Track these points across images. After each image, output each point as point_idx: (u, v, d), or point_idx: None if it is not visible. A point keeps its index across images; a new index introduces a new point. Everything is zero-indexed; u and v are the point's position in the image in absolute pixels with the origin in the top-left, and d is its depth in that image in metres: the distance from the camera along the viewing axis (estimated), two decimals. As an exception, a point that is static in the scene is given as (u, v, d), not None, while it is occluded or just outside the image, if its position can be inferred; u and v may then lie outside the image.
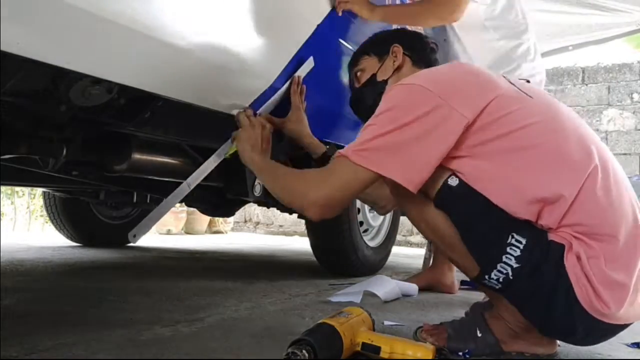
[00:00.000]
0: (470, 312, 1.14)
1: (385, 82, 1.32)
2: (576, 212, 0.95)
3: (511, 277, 0.95)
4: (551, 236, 0.96)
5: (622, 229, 0.95)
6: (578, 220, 0.95)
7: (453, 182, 0.98)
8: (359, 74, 1.38)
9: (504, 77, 1.10)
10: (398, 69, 1.32)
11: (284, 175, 1.15)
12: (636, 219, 0.99)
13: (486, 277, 0.98)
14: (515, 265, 0.94)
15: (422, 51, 1.34)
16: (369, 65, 1.36)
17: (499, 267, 0.95)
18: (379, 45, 1.36)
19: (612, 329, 0.99)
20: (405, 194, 1.01)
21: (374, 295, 1.60)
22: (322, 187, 1.01)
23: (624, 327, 1.00)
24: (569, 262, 0.93)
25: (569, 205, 0.94)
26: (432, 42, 1.37)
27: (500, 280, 0.96)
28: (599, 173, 0.97)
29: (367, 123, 1.03)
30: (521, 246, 0.94)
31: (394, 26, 1.90)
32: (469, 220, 0.99)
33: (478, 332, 1.06)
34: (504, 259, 0.94)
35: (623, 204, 0.98)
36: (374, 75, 1.33)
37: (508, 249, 0.94)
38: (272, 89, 1.43)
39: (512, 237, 0.94)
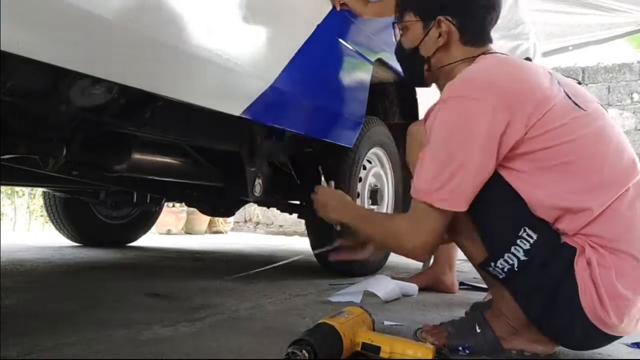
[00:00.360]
0: (470, 311, 1.14)
1: (423, 59, 1.19)
2: (598, 225, 0.96)
3: (516, 269, 0.97)
4: (565, 239, 0.97)
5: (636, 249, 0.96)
6: (598, 232, 0.96)
7: None
8: (401, 31, 1.23)
9: (553, 77, 1.06)
10: (444, 46, 1.15)
11: (379, 227, 1.18)
12: None
13: (492, 264, 1.00)
14: (522, 258, 0.96)
15: (474, 20, 1.15)
16: (413, 28, 1.19)
17: (506, 257, 0.97)
18: (424, 3, 1.18)
19: (609, 338, 1.00)
20: None
21: (374, 295, 1.60)
22: (415, 237, 1.04)
23: (614, 338, 1.00)
24: (579, 266, 0.94)
25: (592, 219, 0.96)
26: (490, 16, 1.17)
27: (505, 270, 0.98)
28: (630, 190, 0.98)
29: (430, 149, 1.02)
30: (532, 241, 0.96)
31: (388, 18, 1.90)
32: (487, 204, 1.00)
33: (477, 328, 1.07)
34: (512, 249, 0.96)
35: None
36: (416, 48, 1.19)
37: (518, 241, 0.96)
38: (273, 90, 1.42)
39: (525, 230, 0.96)
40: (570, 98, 1.02)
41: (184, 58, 1.13)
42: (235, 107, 1.36)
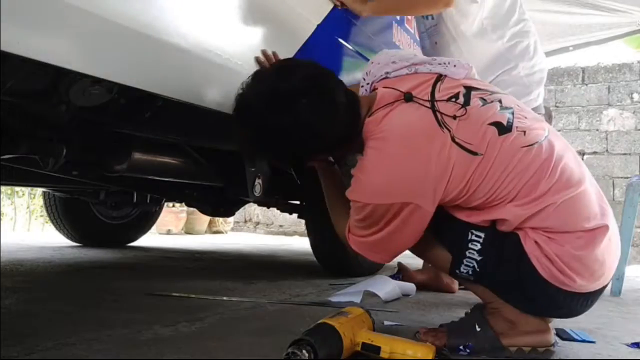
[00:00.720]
0: (470, 312, 1.14)
1: None
2: (537, 220, 1.00)
3: (478, 269, 1.04)
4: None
5: (580, 224, 1.00)
6: (538, 225, 1.00)
7: None
8: None
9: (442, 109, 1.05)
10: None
11: (333, 213, 1.26)
12: (603, 212, 1.04)
13: (457, 270, 1.06)
14: (478, 258, 1.03)
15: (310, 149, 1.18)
16: None
17: (465, 262, 1.04)
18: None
19: (591, 297, 1.05)
20: None
21: (374, 295, 1.60)
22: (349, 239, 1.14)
23: (601, 291, 1.06)
24: (528, 246, 1.00)
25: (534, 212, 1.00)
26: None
27: (470, 272, 1.05)
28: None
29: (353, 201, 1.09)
30: (481, 240, 1.03)
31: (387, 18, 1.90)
32: (435, 220, 1.04)
33: (477, 327, 1.08)
34: (467, 253, 1.03)
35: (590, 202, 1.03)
36: None
37: (470, 245, 1.03)
38: None
39: (472, 233, 1.03)
40: (461, 146, 1.00)
41: (185, 58, 1.13)
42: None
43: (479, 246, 1.02)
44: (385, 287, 1.65)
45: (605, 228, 1.02)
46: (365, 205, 1.04)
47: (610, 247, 1.03)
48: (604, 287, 1.07)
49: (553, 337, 1.09)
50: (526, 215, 0.99)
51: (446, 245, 1.08)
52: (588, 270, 1.00)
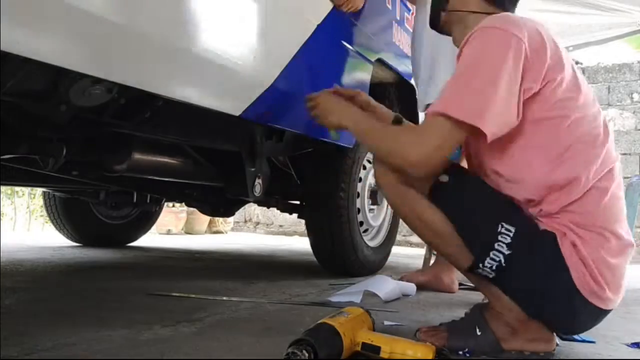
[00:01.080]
0: (471, 312, 1.14)
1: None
2: (578, 205, 0.98)
3: (504, 264, 0.99)
4: (542, 225, 1.01)
5: (615, 226, 1.00)
6: (577, 210, 0.98)
7: (444, 178, 1.03)
8: None
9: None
10: None
11: (383, 135, 1.11)
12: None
13: (480, 265, 1.02)
14: (507, 252, 0.98)
15: None
16: None
17: (491, 255, 0.99)
18: None
19: (604, 314, 1.03)
20: (401, 191, 1.08)
21: (374, 295, 1.60)
22: (420, 147, 1.00)
23: (608, 312, 1.03)
24: (565, 248, 0.97)
25: (576, 198, 0.98)
26: None
27: (494, 268, 1.00)
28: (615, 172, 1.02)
29: (454, 76, 1.02)
30: (511, 234, 0.98)
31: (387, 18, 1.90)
32: (461, 212, 1.03)
33: (477, 330, 1.07)
34: (496, 246, 0.99)
35: (620, 207, 1.02)
36: None
37: (499, 237, 0.99)
38: (273, 90, 1.42)
39: (502, 225, 0.99)
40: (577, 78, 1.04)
41: (184, 58, 1.13)
42: (235, 108, 1.36)
43: (509, 239, 0.98)
44: (385, 287, 1.65)
45: (632, 246, 1.02)
46: (488, 31, 1.01)
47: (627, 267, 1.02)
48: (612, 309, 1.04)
49: (554, 345, 1.09)
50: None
51: (472, 238, 1.02)
52: (616, 283, 0.98)
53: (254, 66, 1.35)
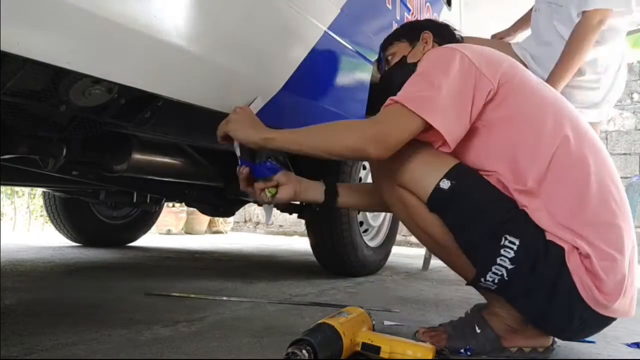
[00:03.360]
0: (470, 312, 1.14)
1: (414, 64, 1.28)
2: (581, 215, 0.96)
3: (506, 278, 0.96)
4: (549, 236, 0.96)
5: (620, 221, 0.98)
6: (582, 220, 0.96)
7: (445, 185, 0.99)
8: (389, 57, 1.40)
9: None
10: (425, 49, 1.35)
11: (326, 128, 1.09)
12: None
13: (482, 279, 0.99)
14: (509, 267, 0.95)
15: (450, 40, 1.35)
16: (400, 49, 1.38)
17: (493, 269, 0.97)
18: (410, 31, 1.40)
19: (604, 322, 1.01)
20: (401, 200, 1.06)
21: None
22: (378, 126, 1.02)
23: (613, 320, 1.01)
24: (572, 263, 0.94)
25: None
26: (459, 34, 1.40)
27: (496, 281, 0.98)
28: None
29: (410, 78, 1.06)
30: (515, 247, 0.95)
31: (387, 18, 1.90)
32: (462, 223, 1.00)
33: (477, 328, 1.07)
34: (498, 261, 0.96)
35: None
36: (404, 57, 1.35)
37: (502, 251, 0.95)
38: (282, 93, 1.42)
39: (505, 238, 0.95)
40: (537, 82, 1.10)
41: (185, 58, 1.13)
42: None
43: (512, 253, 0.94)
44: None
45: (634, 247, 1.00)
46: (443, 52, 1.09)
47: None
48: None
49: (551, 339, 1.09)
50: None
51: (473, 251, 1.01)
52: (626, 293, 0.97)
53: (269, 71, 1.36)
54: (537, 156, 0.99)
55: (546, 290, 0.96)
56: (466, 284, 1.08)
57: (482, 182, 1.02)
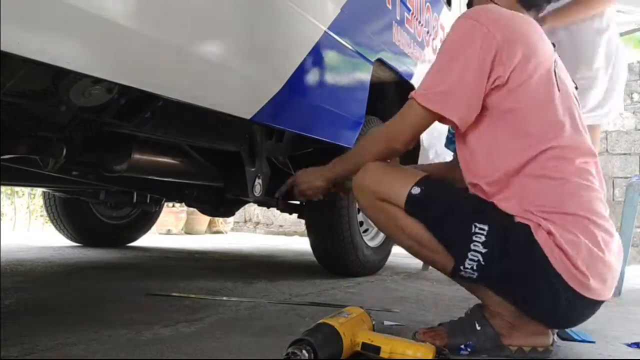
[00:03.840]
0: (470, 311, 1.15)
1: None
2: (543, 195, 1.02)
3: (483, 263, 1.01)
4: (517, 219, 1.03)
5: (591, 215, 1.01)
6: (545, 202, 1.01)
7: (416, 191, 1.09)
8: None
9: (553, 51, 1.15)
10: None
11: (361, 145, 1.35)
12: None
13: (461, 268, 1.04)
14: (483, 251, 1.01)
15: None
16: None
17: (470, 256, 1.02)
18: None
19: (591, 305, 1.03)
20: (384, 211, 1.13)
21: None
22: (393, 126, 1.21)
23: (600, 303, 1.04)
24: (540, 237, 0.99)
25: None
26: None
27: (475, 268, 1.03)
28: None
29: (435, 61, 1.13)
30: (484, 232, 1.02)
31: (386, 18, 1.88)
32: (435, 220, 1.08)
33: (477, 326, 1.08)
34: (472, 247, 1.02)
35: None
36: None
37: (474, 237, 1.02)
38: (282, 93, 1.43)
39: (475, 226, 1.02)
40: (556, 80, 1.10)
41: (186, 58, 1.13)
42: (246, 112, 1.37)
43: (483, 238, 1.01)
44: None
45: (611, 236, 1.03)
46: (465, 22, 1.10)
47: (617, 258, 1.04)
48: (603, 301, 1.04)
49: (551, 339, 1.09)
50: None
51: (449, 243, 1.06)
52: (597, 270, 0.99)
53: (268, 70, 1.36)
54: (515, 156, 1.05)
55: (523, 267, 1.00)
56: (449, 276, 1.11)
57: (448, 186, 1.17)
